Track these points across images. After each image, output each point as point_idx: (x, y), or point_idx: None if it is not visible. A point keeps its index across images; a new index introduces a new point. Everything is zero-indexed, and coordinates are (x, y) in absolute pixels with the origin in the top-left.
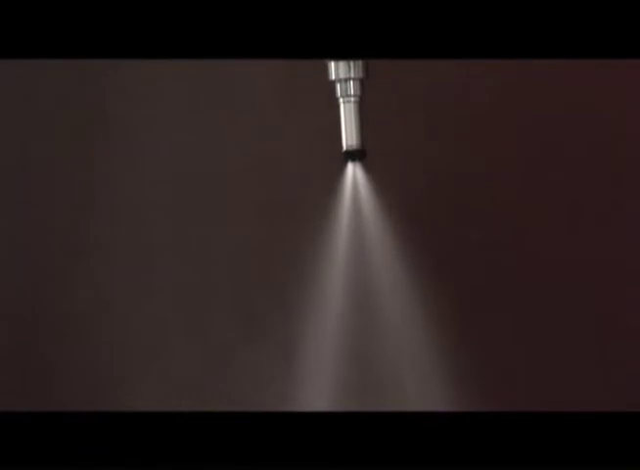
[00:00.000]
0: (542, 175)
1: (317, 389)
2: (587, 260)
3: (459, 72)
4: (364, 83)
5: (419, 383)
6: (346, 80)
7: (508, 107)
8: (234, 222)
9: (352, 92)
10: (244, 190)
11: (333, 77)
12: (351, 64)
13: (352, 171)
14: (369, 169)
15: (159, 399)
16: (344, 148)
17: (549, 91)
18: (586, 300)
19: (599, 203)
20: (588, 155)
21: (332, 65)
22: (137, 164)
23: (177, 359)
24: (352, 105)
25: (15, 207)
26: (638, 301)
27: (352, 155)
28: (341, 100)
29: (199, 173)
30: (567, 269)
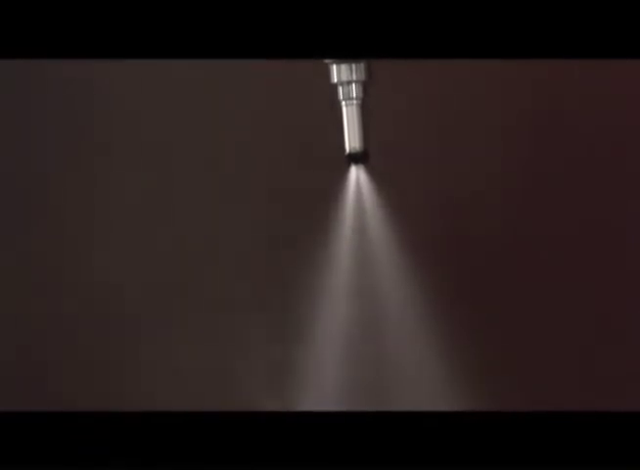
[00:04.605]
0: (543, 176)
1: (317, 389)
2: (587, 260)
3: (461, 74)
4: (366, 86)
5: (419, 383)
6: (349, 83)
7: (509, 108)
8: (235, 225)
9: (355, 95)
10: (245, 194)
11: (335, 80)
12: (353, 66)
13: (355, 174)
14: (372, 172)
15: (159, 399)
16: (347, 151)
17: (550, 92)
18: (586, 299)
19: (599, 202)
20: (589, 154)
21: (334, 67)
22: (137, 165)
23: (178, 359)
24: (355, 107)
25: (15, 206)
26: (638, 301)
27: (355, 157)
28: (343, 103)
29: (199, 176)
30: (567, 269)
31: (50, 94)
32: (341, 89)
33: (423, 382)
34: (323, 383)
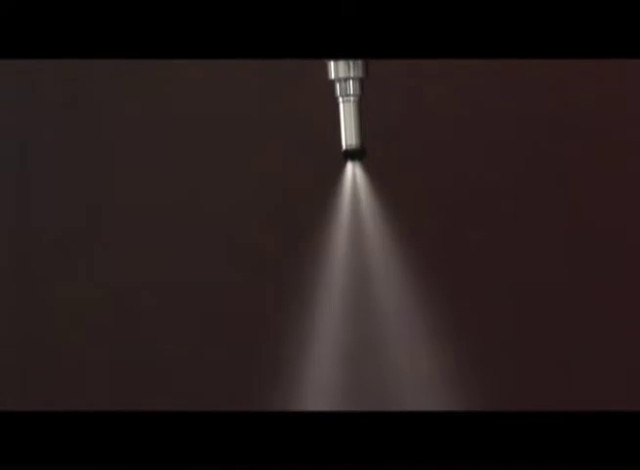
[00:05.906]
0: (542, 175)
1: (316, 389)
2: (587, 260)
3: (459, 72)
4: (364, 83)
5: (419, 383)
6: (346, 80)
7: (508, 106)
8: (233, 223)
9: (352, 91)
10: (243, 190)
11: (332, 77)
12: (351, 63)
13: (352, 171)
14: (369, 169)
15: (160, 400)
16: (344, 147)
17: (550, 91)
18: (586, 299)
19: (599, 202)
20: (588, 154)
21: (331, 64)
22: (136, 167)
23: (178, 360)
24: (352, 104)
25: (15, 206)
26: (638, 300)
27: (352, 154)
28: (340, 99)
29: (196, 173)
30: (566, 268)
31: (50, 94)
32: (338, 86)
33: (422, 382)
34: (320, 382)
